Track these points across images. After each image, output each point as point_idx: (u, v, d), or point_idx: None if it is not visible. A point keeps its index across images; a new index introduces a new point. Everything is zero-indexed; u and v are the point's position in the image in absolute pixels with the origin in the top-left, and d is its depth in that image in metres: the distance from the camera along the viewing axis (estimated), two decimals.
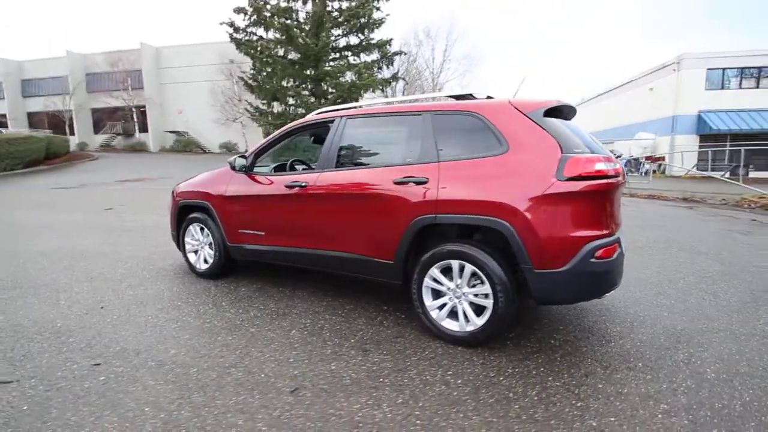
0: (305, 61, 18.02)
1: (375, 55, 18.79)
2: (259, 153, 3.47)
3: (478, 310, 2.45)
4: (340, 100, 17.80)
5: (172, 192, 4.18)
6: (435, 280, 2.55)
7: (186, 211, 3.96)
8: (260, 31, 18.60)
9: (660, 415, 1.87)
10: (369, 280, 3.07)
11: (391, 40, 18.77)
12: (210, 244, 3.77)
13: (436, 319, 2.56)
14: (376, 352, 2.46)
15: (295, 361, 2.36)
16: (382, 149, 2.96)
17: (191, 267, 3.93)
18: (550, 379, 2.17)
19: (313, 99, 17.64)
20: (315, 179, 2.98)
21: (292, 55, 18.27)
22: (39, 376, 2.18)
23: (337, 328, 2.79)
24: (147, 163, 24.55)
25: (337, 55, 19.22)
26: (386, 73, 19.00)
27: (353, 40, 18.95)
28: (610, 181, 2.23)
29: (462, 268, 2.43)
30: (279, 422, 1.82)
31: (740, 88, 20.34)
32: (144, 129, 31.43)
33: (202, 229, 3.81)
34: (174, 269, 4.14)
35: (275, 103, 19.21)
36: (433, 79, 29.83)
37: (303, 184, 3.01)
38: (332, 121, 3.09)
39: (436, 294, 2.60)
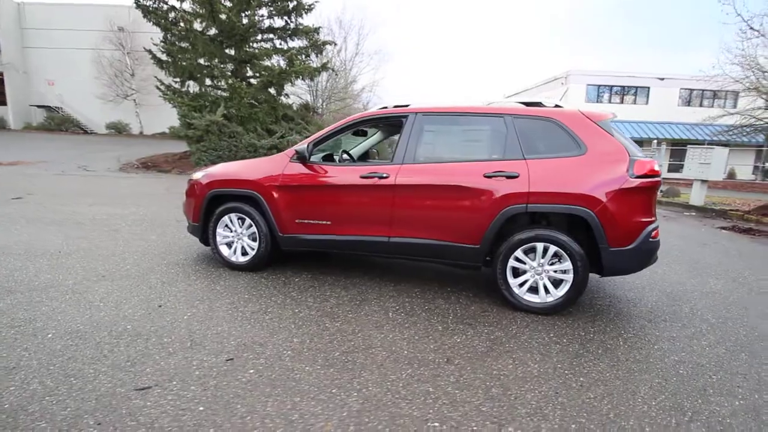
0: (227, 40, 16.73)
1: (303, 42, 18.26)
2: (318, 143, 3.46)
3: (555, 283, 2.95)
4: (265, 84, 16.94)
5: (192, 182, 3.86)
6: (518, 260, 2.98)
7: (217, 202, 3.71)
8: (173, 1, 16.66)
9: (707, 348, 2.60)
10: (419, 265, 3.36)
11: (319, 28, 18.43)
12: (251, 236, 3.62)
13: (518, 294, 3.00)
14: (479, 325, 2.80)
15: (420, 338, 2.57)
16: (463, 145, 3.26)
17: (225, 260, 3.71)
18: (623, 332, 2.78)
19: (237, 81, 16.43)
20: (396, 171, 3.14)
21: (213, 32, 16.77)
22: (177, 378, 2.03)
23: (427, 308, 3.04)
24: (13, 143, 20.17)
25: (261, 37, 18.20)
26: (316, 61, 18.57)
27: (279, 22, 18.14)
28: (660, 179, 2.91)
29: (546, 249, 2.90)
30: (462, 384, 2.07)
31: (610, 102, 24.88)
32: (1, 101, 25.56)
33: (242, 219, 3.63)
34: (196, 263, 3.84)
35: (191, 83, 17.46)
36: (346, 72, 29.82)
37: (384, 175, 3.15)
38: (405, 117, 3.28)
39: (515, 272, 3.03)
